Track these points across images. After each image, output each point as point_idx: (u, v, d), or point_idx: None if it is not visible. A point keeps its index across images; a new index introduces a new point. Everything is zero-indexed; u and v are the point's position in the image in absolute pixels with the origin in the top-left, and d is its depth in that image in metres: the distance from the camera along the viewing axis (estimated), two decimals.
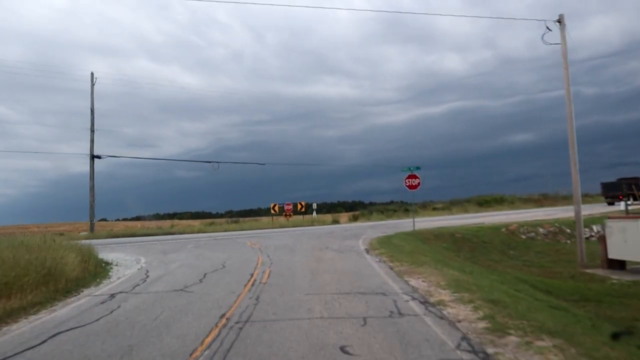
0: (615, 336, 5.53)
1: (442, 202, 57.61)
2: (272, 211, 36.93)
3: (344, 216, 50.36)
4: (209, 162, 38.00)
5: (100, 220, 65.01)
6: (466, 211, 50.63)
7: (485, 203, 56.98)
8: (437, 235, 21.08)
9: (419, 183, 20.47)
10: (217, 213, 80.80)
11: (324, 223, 36.78)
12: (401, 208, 50.81)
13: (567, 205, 59.96)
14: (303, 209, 37.65)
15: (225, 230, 31.07)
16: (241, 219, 47.39)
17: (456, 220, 31.85)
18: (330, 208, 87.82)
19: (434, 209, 53.51)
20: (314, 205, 40.06)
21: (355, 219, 44.81)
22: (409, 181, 20.62)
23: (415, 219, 39.79)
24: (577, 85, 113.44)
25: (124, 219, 69.76)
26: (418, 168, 20.78)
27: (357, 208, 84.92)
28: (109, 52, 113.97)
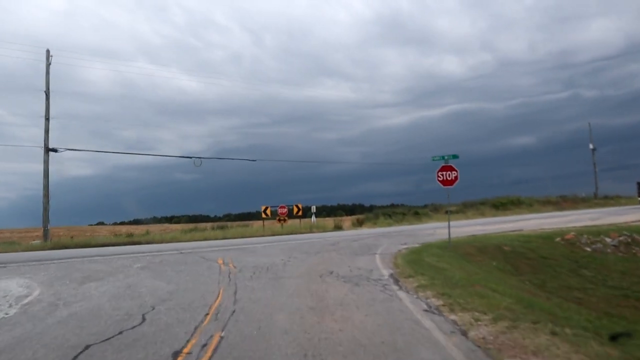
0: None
1: (454, 204, 52.07)
2: (263, 215, 31.32)
3: (346, 220, 44.76)
4: (190, 157, 32.43)
5: (98, 224, 66.69)
6: (483, 215, 45.32)
7: (501, 206, 51.72)
8: (480, 248, 15.53)
9: (456, 177, 14.90)
10: (215, 216, 79.93)
11: (324, 229, 31.22)
12: (410, 211, 45.26)
13: (591, 208, 54.70)
14: (300, 213, 32.06)
15: (205, 239, 25.46)
16: (229, 223, 41.76)
17: (483, 226, 26.41)
18: (330, 211, 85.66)
19: (447, 211, 47.85)
20: (313, 209, 34.53)
21: (360, 224, 39.19)
22: (443, 175, 15.04)
23: (431, 224, 34.41)
24: (576, 87, 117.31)
25: (122, 223, 68.37)
26: (455, 157, 15.20)
27: (358, 211, 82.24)
28: (107, 55, 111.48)
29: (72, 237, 29.51)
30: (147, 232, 33.52)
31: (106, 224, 66.41)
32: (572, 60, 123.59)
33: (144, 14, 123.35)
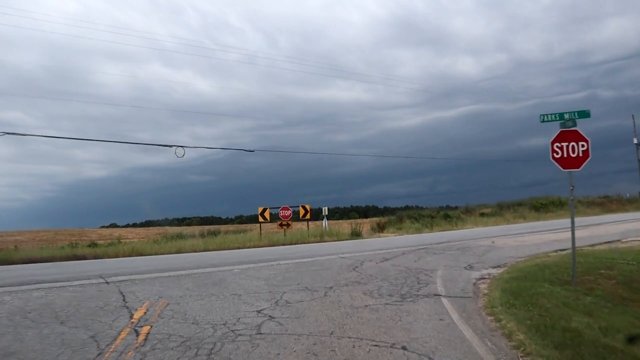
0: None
1: (488, 205, 45.06)
2: (260, 219, 24.64)
3: (364, 224, 37.94)
4: (171, 145, 25.79)
5: (110, 226, 64.63)
6: (524, 218, 38.47)
7: (541, 207, 44.68)
8: (627, 283, 8.56)
9: (586, 152, 8.01)
10: (227, 218, 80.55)
11: (338, 236, 24.45)
12: (439, 214, 38.27)
13: None
14: (308, 216, 25.28)
15: (178, 251, 18.85)
16: (226, 227, 35.19)
17: (548, 234, 19.45)
18: (343, 213, 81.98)
19: (482, 214, 40.87)
20: (325, 211, 27.72)
21: (381, 228, 32.35)
22: (561, 148, 8.16)
23: (475, 231, 27.56)
24: (593, 88, 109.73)
25: (134, 225, 67.65)
26: (584, 114, 8.26)
27: (371, 213, 77.94)
28: (123, 58, 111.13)
29: (15, 247, 23.14)
30: (119, 240, 27.03)
31: (119, 227, 64.50)
32: (588, 60, 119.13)
33: (158, 16, 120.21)
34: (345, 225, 36.59)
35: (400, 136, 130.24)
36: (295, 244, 22.07)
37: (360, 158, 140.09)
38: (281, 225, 24.80)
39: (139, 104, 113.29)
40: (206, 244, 21.14)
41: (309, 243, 22.38)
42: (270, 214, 25.13)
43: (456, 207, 47.07)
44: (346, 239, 23.99)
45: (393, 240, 21.14)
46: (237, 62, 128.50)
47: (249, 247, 20.15)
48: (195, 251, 18.93)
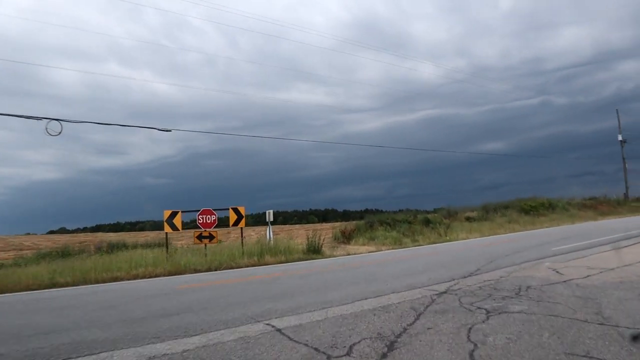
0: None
1: (472, 208, 37.96)
2: (167, 228, 16.25)
3: (324, 231, 30.06)
4: (40, 118, 17.08)
5: (59, 230, 61.03)
6: (516, 222, 31.71)
7: (532, 210, 38.14)
8: None
9: None
10: (183, 221, 74.27)
11: (287, 254, 16.37)
12: (416, 219, 30.70)
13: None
14: (242, 223, 16.91)
15: None
16: (124, 233, 26.46)
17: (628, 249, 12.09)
18: (302, 217, 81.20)
19: (468, 218, 33.70)
20: (270, 215, 19.46)
21: (347, 238, 24.52)
22: None
23: (468, 241, 20.10)
24: (547, 94, 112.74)
25: (84, 229, 65.35)
26: None
27: (330, 216, 75.67)
28: (78, 56, 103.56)
29: None
30: None
31: (68, 231, 61.31)
32: (544, 67, 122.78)
33: (115, 14, 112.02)
34: (301, 234, 28.60)
35: (362, 139, 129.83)
36: (215, 269, 13.91)
37: (321, 160, 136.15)
38: (200, 237, 16.48)
39: (95, 103, 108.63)
40: (62, 273, 12.62)
41: (239, 268, 14.23)
42: (186, 221, 16.82)
43: (430, 211, 40.00)
44: (300, 259, 15.98)
45: (375, 264, 13.24)
46: (197, 63, 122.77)
47: (123, 279, 11.89)
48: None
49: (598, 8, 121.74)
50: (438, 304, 6.85)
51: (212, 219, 16.61)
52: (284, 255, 16.26)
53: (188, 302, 7.93)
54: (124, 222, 77.17)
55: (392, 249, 18.77)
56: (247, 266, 14.49)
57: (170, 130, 21.28)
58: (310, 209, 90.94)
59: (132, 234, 41.99)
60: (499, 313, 6.14)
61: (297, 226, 47.99)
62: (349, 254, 17.36)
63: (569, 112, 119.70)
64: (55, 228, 65.73)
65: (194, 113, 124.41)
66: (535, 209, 38.45)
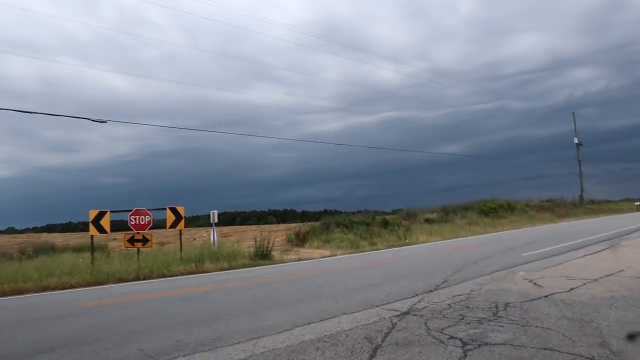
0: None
1: (431, 209, 37.03)
2: (93, 231, 14.22)
3: (278, 233, 28.38)
4: None
5: (7, 230, 55.21)
6: (476, 224, 30.97)
7: (491, 211, 37.65)
8: None
9: None
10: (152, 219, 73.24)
11: (231, 259, 14.62)
12: (375, 220, 29.35)
13: (598, 214, 41.59)
14: (180, 225, 15.06)
15: None
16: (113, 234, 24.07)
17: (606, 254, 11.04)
18: (260, 217, 79.51)
19: (427, 220, 32.69)
20: (214, 216, 17.66)
21: (301, 241, 22.94)
22: None
23: (430, 245, 18.87)
24: (504, 99, 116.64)
25: (34, 228, 61.06)
26: None
27: (289, 217, 74.82)
28: (31, 49, 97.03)
29: None
30: None
31: (17, 231, 56.30)
32: (501, 73, 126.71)
33: (71, 7, 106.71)
34: (255, 235, 26.83)
35: (322, 140, 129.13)
36: (144, 278, 12.07)
37: (281, 161, 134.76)
38: (132, 241, 14.51)
39: (49, 99, 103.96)
40: None
41: (172, 276, 12.43)
42: (116, 222, 14.84)
43: (389, 212, 38.95)
44: (245, 265, 14.29)
45: (327, 273, 11.69)
46: (156, 60, 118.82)
47: (29, 292, 9.91)
48: None
49: (552, 17, 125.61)
50: (400, 330, 5.34)
51: (147, 220, 14.70)
52: (228, 261, 14.51)
53: (82, 329, 6.15)
54: (76, 222, 71.10)
55: (348, 253, 17.30)
56: (183, 274, 12.70)
57: (105, 122, 19.23)
58: (269, 210, 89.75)
59: (82, 234, 39.30)
60: (479, 345, 4.68)
61: (253, 227, 46.13)
62: (300, 260, 15.77)
63: (524, 116, 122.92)
64: (2, 228, 60.33)
65: (152, 110, 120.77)
66: (494, 211, 38.00)
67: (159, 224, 16.05)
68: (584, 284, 7.84)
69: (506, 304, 6.53)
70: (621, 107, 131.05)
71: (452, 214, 35.13)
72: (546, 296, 7.01)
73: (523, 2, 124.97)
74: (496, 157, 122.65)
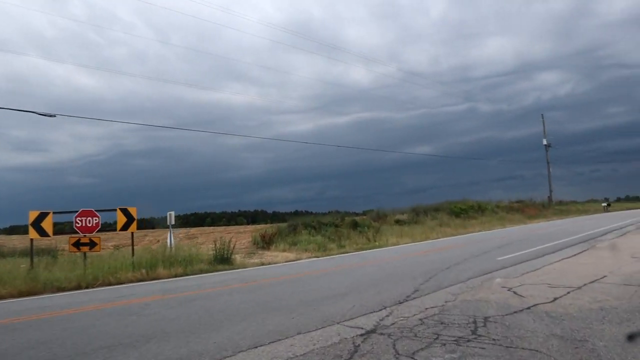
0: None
1: (402, 210, 36.40)
2: (33, 234, 12.93)
3: (245, 235, 27.32)
4: None
5: None
6: (447, 225, 30.50)
7: (462, 212, 37.28)
8: None
9: None
10: (106, 223, 70.78)
11: (187, 265, 13.52)
12: (344, 222, 28.52)
13: (567, 215, 41.79)
14: (132, 227, 13.89)
15: None
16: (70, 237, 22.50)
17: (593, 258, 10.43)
18: (230, 218, 75.47)
19: (398, 221, 32.04)
20: (170, 218, 16.52)
21: (267, 243, 21.92)
22: None
23: (399, 247, 18.11)
24: (474, 101, 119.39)
25: None
26: None
27: (260, 218, 73.33)
28: None
29: None
30: None
31: None
32: (470, 75, 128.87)
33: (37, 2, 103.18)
34: (218, 237, 25.68)
35: (293, 141, 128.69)
36: (87, 286, 10.89)
37: (253, 161, 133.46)
38: (77, 245, 13.26)
39: (13, 97, 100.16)
40: None
41: (119, 284, 11.29)
42: (57, 224, 13.60)
43: (359, 213, 38.19)
44: (202, 270, 13.22)
45: (288, 280, 10.74)
46: (126, 58, 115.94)
47: None
48: None
49: (521, 21, 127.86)
50: (363, 355, 4.44)
51: (94, 222, 13.47)
52: (183, 266, 13.42)
53: None
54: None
55: (315, 257, 16.38)
56: (132, 281, 11.56)
57: (54, 116, 17.81)
58: (239, 210, 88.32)
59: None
60: None
61: (220, 228, 44.71)
62: (263, 264, 14.76)
63: (493, 118, 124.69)
64: None
65: (122, 109, 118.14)
66: (465, 212, 37.70)
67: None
68: (568, 292, 7.10)
69: (485, 319, 5.71)
70: (587, 110, 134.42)
71: (422, 215, 34.60)
72: (529, 308, 6.23)
73: (493, 5, 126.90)
74: (467, 158, 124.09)
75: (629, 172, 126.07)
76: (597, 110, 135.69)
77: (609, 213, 49.50)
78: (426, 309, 6.38)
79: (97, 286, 10.99)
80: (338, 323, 5.75)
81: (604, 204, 56.44)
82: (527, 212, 44.33)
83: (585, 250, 12.75)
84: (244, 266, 14.30)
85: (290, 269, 12.78)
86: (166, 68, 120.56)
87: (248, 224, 59.71)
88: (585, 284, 7.70)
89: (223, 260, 14.77)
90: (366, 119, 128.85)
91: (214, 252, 15.19)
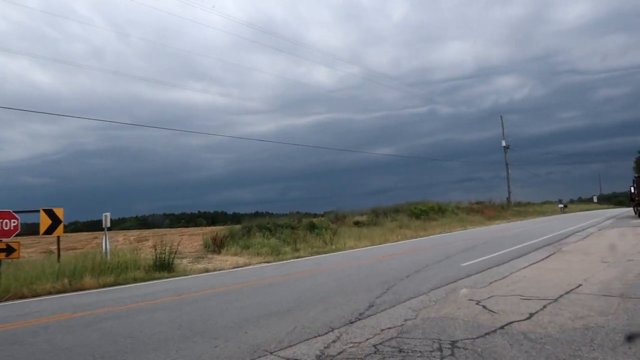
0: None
1: (361, 211, 35.47)
2: None
3: (195, 237, 25.84)
4: None
5: None
6: (407, 227, 29.83)
7: (422, 214, 36.73)
8: None
9: None
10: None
11: (125, 269, 12.06)
12: (301, 224, 27.31)
13: (524, 217, 41.95)
14: (58, 231, 12.34)
15: None
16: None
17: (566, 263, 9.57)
18: (189, 219, 75.39)
19: (357, 223, 31.11)
20: (106, 220, 14.95)
21: (218, 246, 20.48)
22: None
23: (356, 251, 17.08)
24: (434, 104, 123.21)
25: None
26: None
27: (220, 220, 72.24)
28: None
29: None
30: None
31: None
32: (431, 78, 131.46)
33: None
34: (170, 239, 24.08)
35: (255, 142, 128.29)
36: None
37: (213, 162, 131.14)
38: None
39: None
40: None
41: (34, 297, 9.74)
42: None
43: (320, 215, 37.04)
44: (136, 279, 11.79)
45: (226, 293, 9.49)
46: (83, 54, 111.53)
47: None
48: None
49: (480, 26, 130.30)
50: None
51: (13, 224, 11.83)
52: (116, 274, 11.95)
53: None
54: None
55: (266, 262, 15.12)
56: (50, 293, 10.05)
57: None
58: (199, 212, 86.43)
59: None
60: None
61: (174, 230, 42.81)
62: (207, 271, 13.41)
63: (453, 121, 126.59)
64: None
65: (79, 107, 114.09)
66: (425, 213, 37.18)
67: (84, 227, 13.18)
68: (544, 306, 6.15)
69: (453, 343, 4.66)
70: (543, 114, 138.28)
71: (382, 217, 33.79)
72: (502, 327, 5.22)
73: (453, 10, 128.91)
74: (428, 159, 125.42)
75: (581, 175, 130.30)
76: (552, 114, 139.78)
77: (565, 214, 50.23)
78: (382, 330, 5.28)
79: (7, 300, 9.45)
80: (271, 353, 4.57)
81: (561, 206, 57.36)
82: (487, 214, 44.32)
83: (552, 254, 12.00)
84: (185, 273, 12.93)
85: (234, 277, 11.49)
86: (125, 65, 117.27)
87: (208, 225, 57.98)
88: (561, 295, 6.78)
89: (163, 266, 13.35)
90: (328, 120, 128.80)
91: (154, 257, 13.74)
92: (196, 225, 63.06)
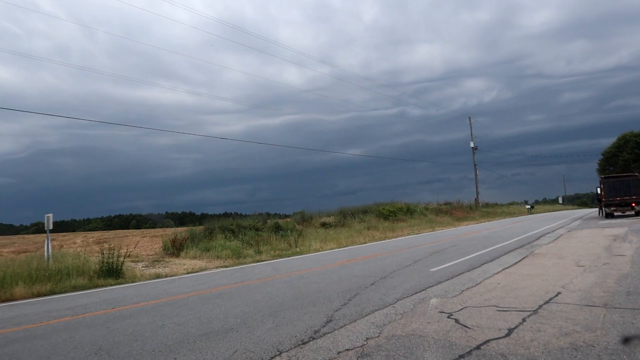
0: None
1: (329, 212, 34.71)
2: None
3: (160, 237, 24.65)
4: None
5: None
6: (375, 228, 29.22)
7: (391, 215, 36.35)
8: None
9: None
10: (22, 225, 71.62)
11: (67, 275, 10.92)
12: (265, 225, 26.34)
13: (494, 218, 41.97)
14: None
15: None
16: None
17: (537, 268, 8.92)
18: (157, 220, 75.39)
19: (324, 224, 30.34)
20: (48, 222, 13.72)
21: (177, 249, 19.38)
22: None
23: (322, 254, 16.28)
24: (403, 105, 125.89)
25: None
26: None
27: (188, 220, 71.50)
28: None
29: None
30: None
31: None
32: (400, 80, 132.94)
33: None
34: (132, 241, 22.80)
35: (223, 142, 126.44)
36: None
37: (181, 162, 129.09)
38: None
39: None
40: None
41: None
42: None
43: (288, 216, 36.11)
44: (77, 287, 10.68)
45: (167, 305, 8.52)
46: (47, 52, 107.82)
47: None
48: None
49: (449, 30, 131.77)
50: None
51: None
52: (54, 282, 10.81)
53: None
54: None
55: (224, 266, 14.13)
56: None
57: None
58: (167, 212, 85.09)
59: None
60: None
61: (136, 232, 41.26)
62: (159, 277, 12.36)
63: (422, 122, 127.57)
64: None
65: (42, 105, 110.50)
66: (394, 214, 36.73)
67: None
68: (523, 319, 5.42)
69: None
70: (509, 116, 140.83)
71: (350, 218, 33.12)
72: (478, 347, 4.46)
73: (423, 13, 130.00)
74: (396, 159, 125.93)
75: (546, 176, 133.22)
76: (518, 117, 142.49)
77: (533, 215, 50.63)
78: (339, 353, 4.44)
79: None
80: None
81: (528, 207, 57.91)
82: (456, 215, 44.22)
83: (525, 258, 11.41)
84: (134, 280, 11.87)
85: (183, 284, 10.48)
86: (91, 63, 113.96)
87: (176, 226, 56.34)
88: (540, 306, 6.09)
89: (110, 272, 12.25)
90: (298, 120, 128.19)
91: (101, 262, 12.61)
92: (163, 226, 61.34)
